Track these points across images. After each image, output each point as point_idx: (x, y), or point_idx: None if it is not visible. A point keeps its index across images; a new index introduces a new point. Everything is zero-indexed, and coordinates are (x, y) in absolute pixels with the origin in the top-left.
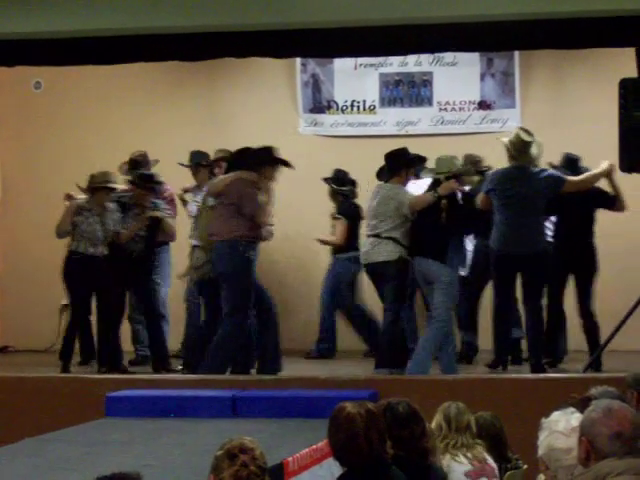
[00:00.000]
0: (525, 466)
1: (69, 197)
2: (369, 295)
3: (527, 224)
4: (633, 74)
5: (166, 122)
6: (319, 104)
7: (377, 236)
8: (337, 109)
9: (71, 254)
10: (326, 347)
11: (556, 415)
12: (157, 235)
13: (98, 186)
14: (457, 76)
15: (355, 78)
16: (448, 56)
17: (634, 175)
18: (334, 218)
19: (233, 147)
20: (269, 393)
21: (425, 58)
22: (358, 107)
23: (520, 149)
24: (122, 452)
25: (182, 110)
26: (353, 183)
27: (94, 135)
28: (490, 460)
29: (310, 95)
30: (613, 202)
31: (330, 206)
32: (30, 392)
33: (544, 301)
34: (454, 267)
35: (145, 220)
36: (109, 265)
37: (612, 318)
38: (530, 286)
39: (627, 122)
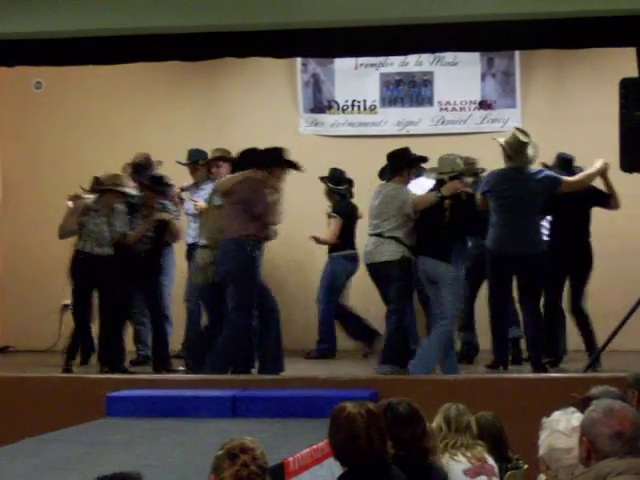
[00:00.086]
0: (526, 466)
1: (77, 197)
2: (368, 294)
3: (524, 225)
4: (633, 74)
5: (166, 122)
6: (320, 104)
7: (379, 235)
8: (338, 109)
9: (77, 254)
10: (326, 347)
11: (557, 415)
12: (164, 236)
13: (107, 188)
14: (458, 76)
15: (356, 78)
16: (449, 56)
17: (634, 175)
18: (330, 216)
19: (234, 147)
20: (269, 393)
21: (426, 58)
22: (359, 107)
23: (517, 150)
24: (123, 452)
25: (182, 110)
26: (349, 182)
27: (94, 135)
28: (490, 460)
29: (311, 95)
30: (607, 200)
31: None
32: (31, 392)
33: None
34: (459, 266)
35: (152, 222)
36: (116, 265)
37: (613, 319)
38: (527, 287)
39: (628, 122)
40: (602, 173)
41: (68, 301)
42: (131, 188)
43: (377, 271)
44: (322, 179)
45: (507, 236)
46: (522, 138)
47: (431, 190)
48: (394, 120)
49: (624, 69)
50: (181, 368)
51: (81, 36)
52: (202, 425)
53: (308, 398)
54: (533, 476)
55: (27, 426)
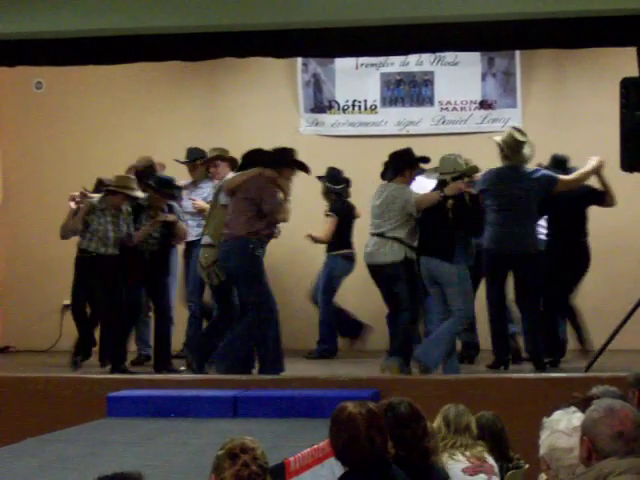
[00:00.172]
0: (527, 465)
1: (84, 195)
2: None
3: (520, 224)
4: (634, 73)
5: (167, 122)
6: (320, 104)
7: (381, 235)
8: (338, 109)
9: (82, 253)
10: (327, 347)
11: (557, 414)
12: (171, 238)
13: (116, 190)
14: (458, 76)
15: (356, 78)
16: (449, 56)
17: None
18: (327, 215)
19: (234, 147)
20: (270, 393)
21: (426, 58)
22: (359, 107)
23: (514, 149)
24: (123, 452)
25: (183, 110)
26: (347, 182)
27: (95, 135)
28: (490, 459)
29: (311, 95)
30: (603, 198)
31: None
32: (31, 392)
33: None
34: (462, 266)
35: (157, 223)
36: (120, 265)
37: (613, 318)
38: (523, 285)
39: (628, 121)
40: (597, 171)
41: (68, 301)
42: (139, 191)
43: (379, 273)
44: (319, 178)
45: (503, 235)
46: (519, 137)
47: (433, 190)
48: (395, 120)
49: (625, 69)
50: (182, 368)
51: (82, 36)
52: (203, 425)
53: (309, 398)
54: (534, 476)
55: (28, 426)
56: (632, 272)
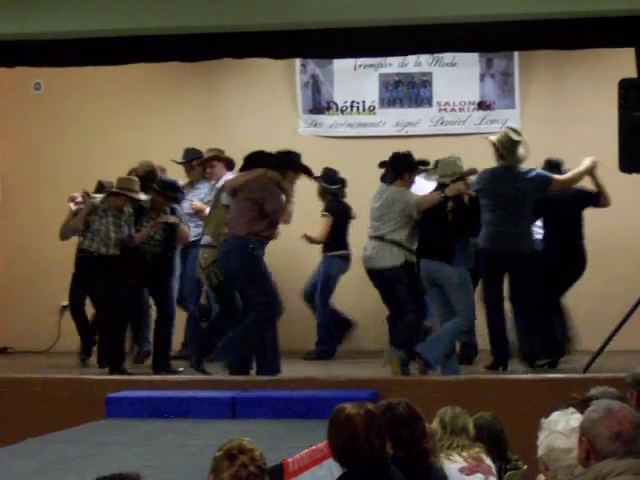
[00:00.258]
0: (525, 466)
1: (87, 195)
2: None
3: (515, 223)
4: (633, 74)
5: (165, 123)
6: (319, 105)
7: (380, 238)
8: (337, 110)
9: (83, 253)
10: (325, 348)
11: (556, 415)
12: (174, 240)
13: (119, 192)
14: (457, 76)
15: (355, 79)
16: (447, 56)
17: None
18: (323, 216)
19: (233, 148)
20: (269, 394)
21: (425, 59)
22: (358, 108)
23: (509, 148)
24: (122, 453)
25: (181, 111)
26: (343, 182)
27: (94, 136)
28: (488, 460)
29: (310, 96)
30: (598, 199)
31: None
32: (30, 393)
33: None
34: (462, 267)
35: (158, 224)
36: (121, 266)
37: (612, 319)
38: (518, 285)
39: (627, 122)
40: (591, 171)
41: (67, 302)
42: (141, 193)
43: (379, 277)
44: (316, 179)
45: (499, 234)
46: (514, 137)
47: (433, 192)
48: (393, 121)
49: (623, 69)
50: (181, 369)
51: (80, 37)
52: (201, 426)
53: (307, 399)
54: (532, 476)
55: (27, 427)
56: (630, 273)
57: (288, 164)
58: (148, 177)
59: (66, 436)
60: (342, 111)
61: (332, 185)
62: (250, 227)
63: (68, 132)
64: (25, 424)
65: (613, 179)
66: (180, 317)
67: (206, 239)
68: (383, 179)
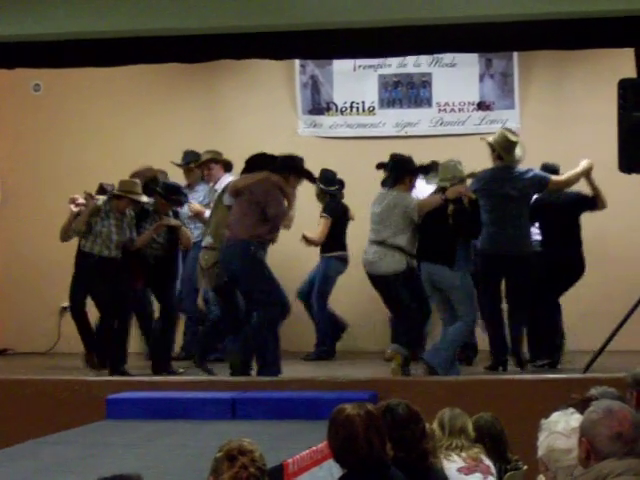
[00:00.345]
0: (525, 467)
1: (90, 197)
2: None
3: (513, 225)
4: (632, 74)
5: (165, 124)
6: (318, 105)
7: (382, 243)
8: (336, 110)
9: (86, 256)
10: (325, 349)
11: (556, 416)
12: (177, 243)
13: (121, 195)
14: (456, 77)
15: (354, 79)
16: (447, 57)
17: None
18: (321, 217)
19: (232, 149)
20: (269, 395)
21: (424, 59)
22: (357, 108)
23: (506, 149)
24: (122, 454)
25: (181, 112)
26: (341, 183)
27: (93, 137)
28: (487, 460)
29: (309, 96)
30: (594, 202)
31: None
32: (30, 395)
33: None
34: (463, 270)
35: (160, 227)
36: (123, 269)
37: (610, 320)
38: (515, 286)
39: (626, 122)
40: (587, 173)
41: (67, 303)
42: (143, 195)
43: (381, 282)
44: (314, 180)
45: (497, 236)
46: (511, 137)
47: (432, 195)
48: (393, 121)
49: (622, 70)
50: (181, 370)
51: (80, 38)
52: (202, 427)
53: (307, 400)
54: (533, 477)
55: (28, 428)
56: (629, 273)
57: (291, 168)
58: (152, 181)
59: (66, 437)
60: (342, 112)
61: (330, 186)
62: (253, 230)
63: (68, 133)
64: (25, 425)
65: (613, 179)
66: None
67: (207, 240)
68: (384, 183)
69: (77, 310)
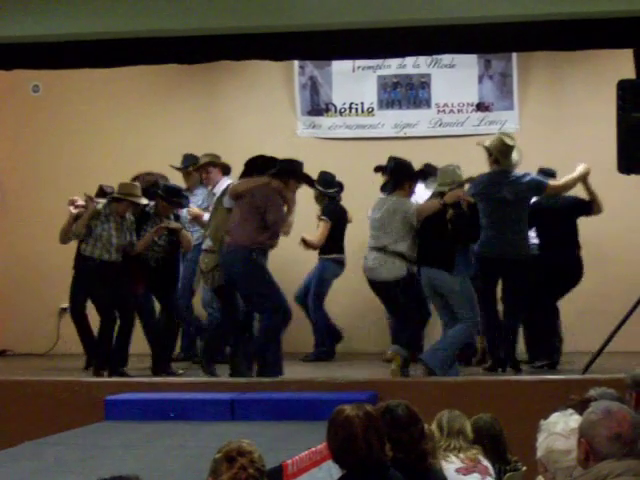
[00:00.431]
0: (524, 468)
1: (90, 199)
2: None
3: (511, 229)
4: (631, 75)
5: (164, 125)
6: (317, 106)
7: (382, 250)
8: (335, 111)
9: (86, 260)
10: (324, 350)
11: (555, 417)
12: (179, 246)
13: (121, 197)
14: (455, 78)
15: (353, 80)
16: (446, 58)
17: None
18: (319, 219)
19: (231, 150)
20: (268, 396)
21: (423, 60)
22: (356, 109)
23: (503, 153)
24: (121, 455)
25: (180, 113)
26: (340, 185)
27: (93, 138)
28: (485, 461)
29: (308, 97)
30: (591, 207)
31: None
32: (29, 396)
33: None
34: (463, 275)
35: (161, 230)
36: (124, 272)
37: (609, 321)
38: (512, 290)
39: (625, 123)
40: (584, 177)
41: (66, 304)
42: (143, 198)
43: (381, 288)
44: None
45: (495, 239)
46: (508, 141)
47: (430, 199)
48: (392, 122)
49: (622, 71)
50: (180, 371)
51: (79, 39)
52: (201, 428)
53: (306, 401)
54: (532, 478)
55: (26, 430)
56: (628, 274)
57: (290, 173)
58: (153, 185)
59: (65, 438)
60: (341, 113)
61: (329, 188)
62: (254, 237)
63: (67, 134)
64: (24, 426)
65: (611, 180)
66: None
67: (206, 243)
68: (383, 189)
69: (77, 313)
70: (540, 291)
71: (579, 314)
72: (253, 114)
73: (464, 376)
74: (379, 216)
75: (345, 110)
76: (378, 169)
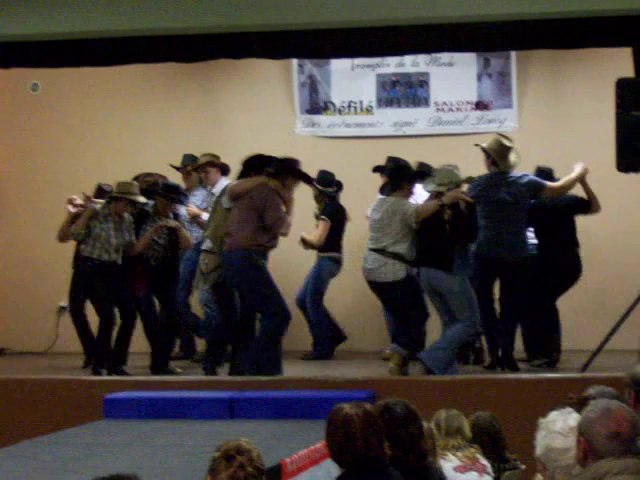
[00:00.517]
0: (523, 466)
1: (88, 200)
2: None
3: (509, 230)
4: (630, 74)
5: (163, 123)
6: (316, 105)
7: (381, 251)
8: (334, 110)
9: (86, 260)
10: (323, 349)
11: (553, 415)
12: (178, 244)
13: (119, 196)
14: (454, 76)
15: (352, 79)
16: (445, 56)
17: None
18: (318, 219)
19: (229, 148)
20: (266, 394)
21: (422, 58)
22: (355, 108)
23: (501, 154)
24: (120, 454)
25: (178, 111)
26: (339, 184)
27: (91, 137)
28: (483, 460)
29: (307, 96)
30: (588, 206)
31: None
32: (28, 394)
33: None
34: (462, 275)
35: (160, 228)
36: (124, 272)
37: (609, 319)
38: (509, 290)
39: (624, 122)
40: (582, 178)
41: (64, 303)
42: (141, 196)
43: (380, 289)
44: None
45: (493, 240)
46: (505, 143)
47: (428, 200)
48: (390, 121)
49: (620, 69)
50: (179, 370)
51: (77, 38)
52: (199, 427)
53: (305, 399)
54: (530, 477)
55: (25, 428)
56: (627, 273)
57: (288, 171)
58: (152, 185)
59: (64, 437)
60: (339, 111)
61: (328, 187)
62: (253, 238)
63: (65, 133)
64: (22, 425)
65: (610, 178)
66: None
67: (206, 244)
68: (382, 190)
69: (76, 313)
70: (539, 289)
71: (578, 313)
72: (252, 112)
73: (462, 374)
74: (378, 217)
75: (344, 108)
76: (377, 170)
